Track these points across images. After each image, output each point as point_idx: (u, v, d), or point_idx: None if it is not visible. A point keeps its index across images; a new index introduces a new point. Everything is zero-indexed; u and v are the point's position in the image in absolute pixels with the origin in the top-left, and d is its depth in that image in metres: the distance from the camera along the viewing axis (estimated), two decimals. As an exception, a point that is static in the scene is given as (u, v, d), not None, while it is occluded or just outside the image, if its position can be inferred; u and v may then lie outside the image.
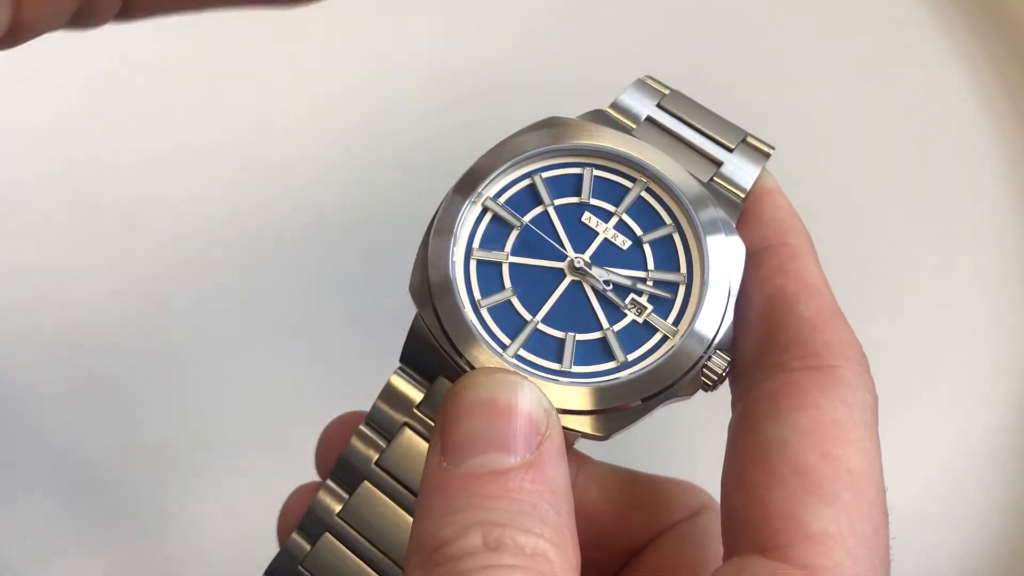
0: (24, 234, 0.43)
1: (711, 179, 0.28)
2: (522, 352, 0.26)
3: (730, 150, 0.29)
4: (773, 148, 0.29)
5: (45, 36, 0.23)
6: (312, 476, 0.33)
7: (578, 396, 0.25)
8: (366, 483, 0.27)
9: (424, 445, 0.27)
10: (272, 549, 0.30)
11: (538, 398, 0.24)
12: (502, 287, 0.27)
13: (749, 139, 0.29)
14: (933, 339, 0.44)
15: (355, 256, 0.44)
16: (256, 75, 0.46)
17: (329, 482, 0.28)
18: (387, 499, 0.27)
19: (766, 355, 0.25)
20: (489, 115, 0.42)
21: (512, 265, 0.27)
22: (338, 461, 0.27)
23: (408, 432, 0.27)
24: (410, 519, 0.27)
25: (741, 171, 0.28)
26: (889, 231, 0.46)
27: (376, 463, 0.27)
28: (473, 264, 0.27)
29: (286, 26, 0.39)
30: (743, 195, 0.28)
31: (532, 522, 0.22)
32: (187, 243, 0.43)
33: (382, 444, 0.27)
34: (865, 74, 0.47)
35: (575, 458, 0.30)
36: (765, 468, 0.24)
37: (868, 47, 0.48)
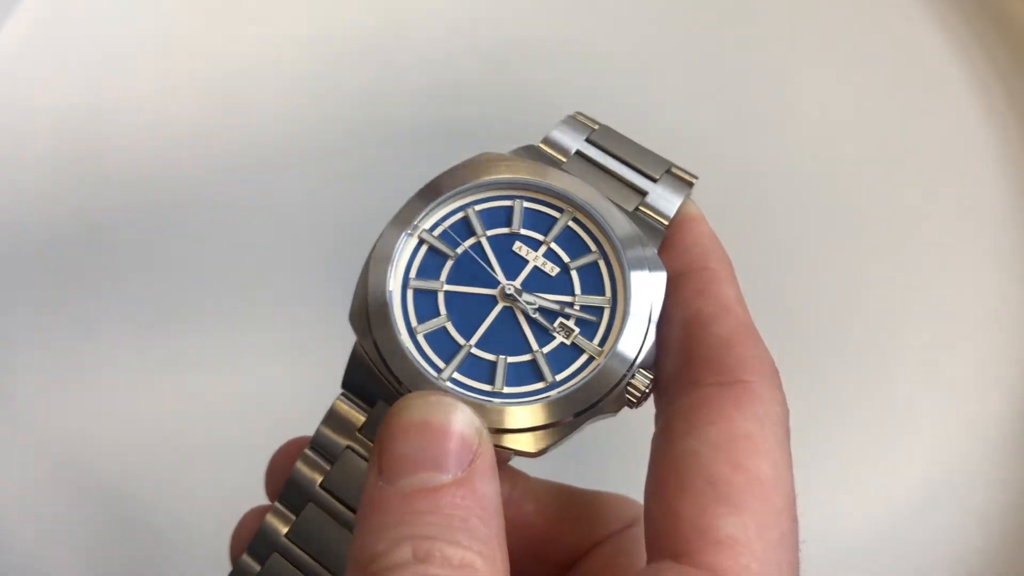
0: None
1: (636, 208, 0.30)
2: (456, 375, 0.28)
3: (654, 180, 0.30)
4: (696, 177, 0.31)
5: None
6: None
7: (510, 415, 0.27)
8: (311, 504, 0.28)
9: (366, 466, 0.28)
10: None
11: (470, 418, 0.25)
12: (437, 313, 0.28)
13: (673, 169, 0.31)
14: (933, 339, 0.44)
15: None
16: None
17: (277, 504, 0.29)
18: (331, 519, 0.28)
19: (684, 373, 0.27)
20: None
21: (447, 293, 0.29)
22: (285, 484, 0.29)
23: (350, 454, 0.28)
24: None
25: (664, 200, 0.30)
26: (888, 231, 0.46)
27: (320, 485, 0.28)
28: (410, 293, 0.29)
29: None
30: (666, 222, 0.30)
31: (461, 535, 0.23)
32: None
33: (326, 467, 0.29)
34: (864, 74, 0.48)
35: (510, 475, 0.32)
36: (679, 479, 0.25)
37: (868, 47, 0.48)
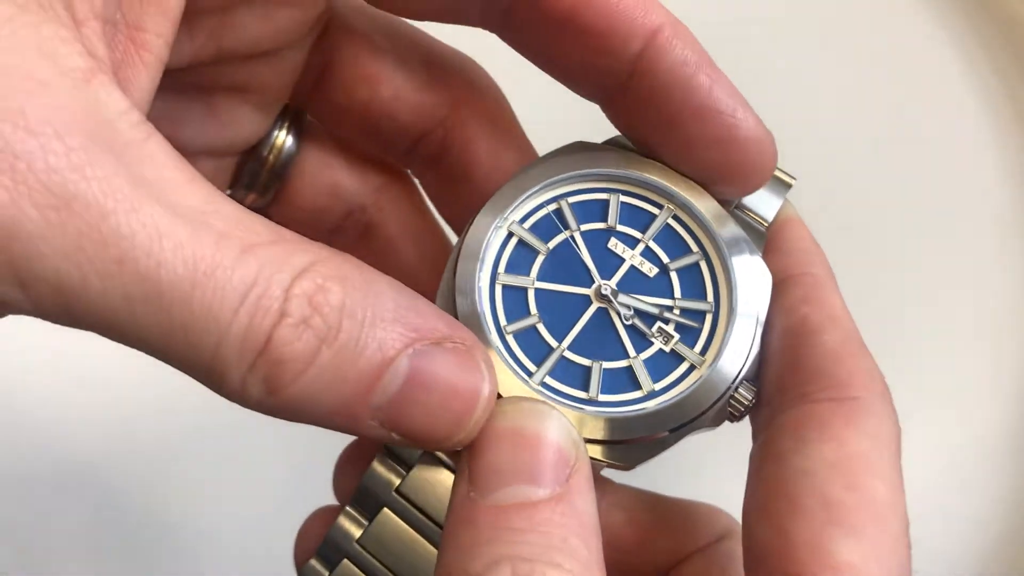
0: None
1: (735, 207, 0.28)
2: (548, 379, 0.26)
3: None
4: (795, 179, 0.29)
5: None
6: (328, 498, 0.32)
7: (605, 426, 0.25)
8: (386, 510, 0.27)
9: (444, 473, 0.27)
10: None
11: (567, 428, 0.24)
12: (528, 313, 0.27)
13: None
14: (932, 339, 0.44)
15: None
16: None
17: (349, 508, 0.27)
18: (407, 527, 0.27)
19: (789, 385, 0.25)
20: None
21: (538, 291, 0.27)
22: (358, 487, 0.27)
23: (429, 458, 0.27)
24: (430, 547, 0.27)
25: (763, 201, 0.28)
26: (888, 231, 0.45)
27: (397, 490, 0.27)
28: (499, 289, 0.27)
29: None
30: (766, 224, 0.28)
31: (561, 557, 0.22)
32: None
33: (403, 471, 0.27)
34: (864, 74, 0.47)
35: (599, 483, 0.30)
36: (790, 499, 0.24)
37: (867, 47, 0.48)
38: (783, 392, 0.25)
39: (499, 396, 0.25)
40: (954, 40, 0.48)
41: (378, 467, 0.27)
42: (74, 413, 0.42)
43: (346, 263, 0.23)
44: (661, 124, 0.26)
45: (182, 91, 0.28)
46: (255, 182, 0.31)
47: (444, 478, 0.27)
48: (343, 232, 0.31)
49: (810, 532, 0.23)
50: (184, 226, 0.21)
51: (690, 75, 0.25)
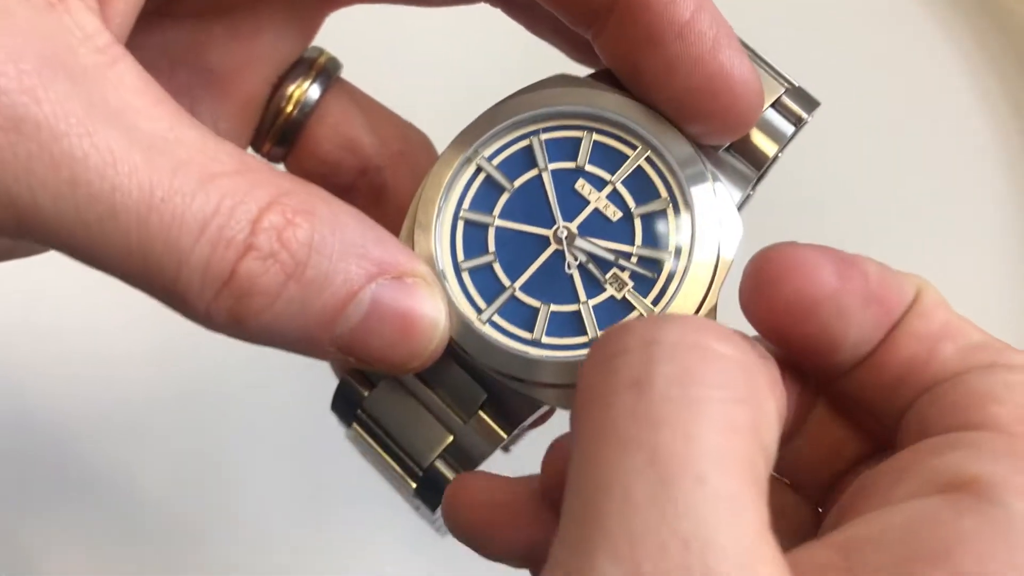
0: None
1: (726, 150, 0.26)
2: (496, 318, 0.26)
3: None
4: (803, 120, 0.27)
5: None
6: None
7: (544, 368, 0.25)
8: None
9: (402, 394, 0.28)
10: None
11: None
12: (486, 250, 0.27)
13: (784, 98, 0.27)
14: None
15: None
16: None
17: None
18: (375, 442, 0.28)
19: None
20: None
21: (499, 228, 0.27)
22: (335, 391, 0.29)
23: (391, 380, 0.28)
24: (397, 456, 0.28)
25: (757, 145, 0.27)
26: (888, 231, 0.44)
27: (362, 406, 0.28)
28: (460, 225, 0.27)
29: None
30: (757, 172, 0.26)
31: None
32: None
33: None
34: (864, 74, 0.46)
35: None
36: None
37: (867, 47, 0.47)
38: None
39: None
40: (954, 40, 0.47)
41: (351, 377, 0.28)
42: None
43: (313, 195, 0.24)
44: (644, 44, 0.25)
45: (202, 15, 0.29)
46: (273, 127, 0.31)
47: (404, 402, 0.28)
48: (356, 190, 0.32)
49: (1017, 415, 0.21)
50: (141, 151, 0.22)
51: None
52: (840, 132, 0.41)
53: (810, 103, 0.27)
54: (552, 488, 0.24)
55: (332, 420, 0.29)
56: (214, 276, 0.22)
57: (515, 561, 0.26)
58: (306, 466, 0.42)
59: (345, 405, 0.28)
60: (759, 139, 0.27)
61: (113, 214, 0.22)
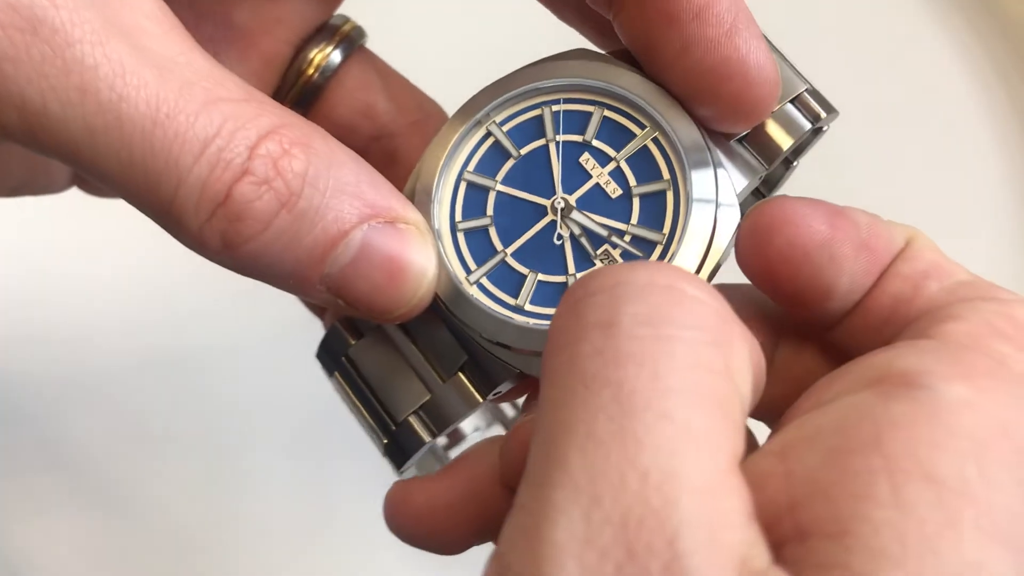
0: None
1: (739, 139, 0.26)
2: (484, 280, 0.26)
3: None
4: (826, 116, 0.26)
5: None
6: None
7: (520, 334, 0.25)
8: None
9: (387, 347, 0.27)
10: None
11: None
12: (483, 213, 0.27)
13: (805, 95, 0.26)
14: None
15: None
16: None
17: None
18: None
19: None
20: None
21: (499, 193, 0.27)
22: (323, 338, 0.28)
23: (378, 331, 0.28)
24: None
25: (771, 137, 0.26)
26: None
27: (347, 353, 0.28)
28: (463, 185, 0.27)
29: None
30: (767, 165, 0.26)
31: None
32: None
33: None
34: (864, 74, 0.46)
35: None
36: None
37: (867, 47, 0.47)
38: None
39: None
40: (954, 40, 0.47)
41: (339, 325, 0.28)
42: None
43: (311, 130, 0.24)
44: (661, 23, 0.25)
45: None
46: (293, 88, 0.31)
47: (388, 355, 0.28)
48: (368, 155, 0.32)
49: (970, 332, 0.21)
50: (151, 68, 0.22)
51: None
52: (840, 132, 0.41)
53: (829, 108, 0.27)
54: (511, 475, 0.24)
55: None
56: (209, 197, 0.23)
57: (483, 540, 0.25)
58: (307, 467, 0.42)
59: (330, 353, 0.28)
60: (775, 131, 0.26)
61: (119, 124, 0.22)
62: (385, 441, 0.27)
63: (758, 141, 0.26)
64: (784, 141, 0.26)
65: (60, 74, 0.22)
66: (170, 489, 0.42)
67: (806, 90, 0.26)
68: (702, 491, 0.17)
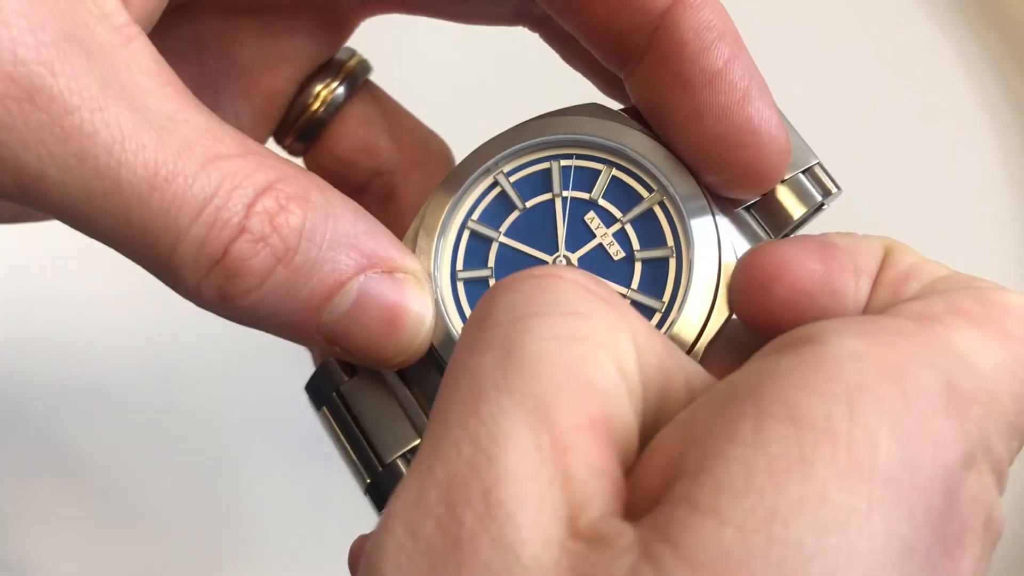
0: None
1: (747, 207, 0.26)
2: None
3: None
4: (833, 193, 0.27)
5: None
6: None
7: None
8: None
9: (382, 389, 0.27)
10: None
11: None
12: (484, 265, 0.27)
13: (816, 168, 0.27)
14: None
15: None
16: None
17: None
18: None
19: None
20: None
21: (502, 245, 0.27)
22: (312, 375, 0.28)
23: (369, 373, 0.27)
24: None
25: (780, 207, 0.26)
26: (886, 231, 0.43)
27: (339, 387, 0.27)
28: (466, 234, 0.27)
29: None
30: (773, 235, 0.26)
31: None
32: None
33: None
34: (863, 74, 0.46)
35: None
36: None
37: (866, 47, 0.47)
38: None
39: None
40: (954, 40, 0.47)
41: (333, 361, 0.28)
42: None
43: (309, 182, 0.24)
44: (674, 88, 0.25)
45: (237, 10, 0.30)
46: (297, 123, 0.31)
47: (382, 396, 0.27)
48: (368, 192, 0.32)
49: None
50: (149, 130, 0.22)
51: (712, 40, 0.25)
52: (838, 133, 0.41)
53: (835, 184, 0.27)
54: None
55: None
56: (207, 255, 0.23)
57: None
58: (311, 472, 0.41)
59: (321, 387, 0.28)
60: (787, 199, 0.26)
61: (117, 189, 0.22)
62: (368, 481, 0.27)
63: (768, 209, 0.26)
64: (796, 210, 0.26)
65: (58, 141, 0.22)
66: (172, 493, 0.42)
67: (817, 164, 0.27)
68: (531, 449, 0.17)
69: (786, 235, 0.27)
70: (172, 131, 0.22)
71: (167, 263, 0.23)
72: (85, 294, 0.43)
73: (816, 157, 0.27)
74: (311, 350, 0.32)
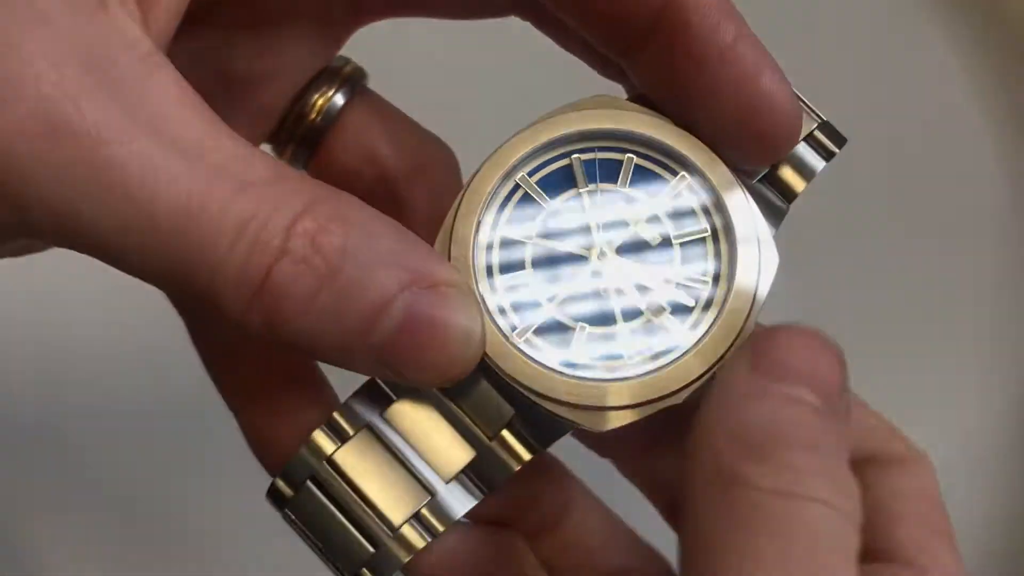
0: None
1: (760, 180, 0.27)
2: (530, 336, 0.26)
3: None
4: (837, 150, 0.27)
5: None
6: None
7: (576, 390, 0.25)
8: (365, 431, 0.27)
9: (428, 409, 0.27)
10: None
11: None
12: (522, 267, 0.27)
13: (816, 132, 0.27)
14: (930, 340, 0.44)
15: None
16: None
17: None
18: (385, 449, 0.27)
19: None
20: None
21: (536, 246, 0.27)
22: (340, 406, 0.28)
23: (413, 394, 0.27)
24: (405, 471, 0.27)
25: (790, 177, 0.27)
26: (887, 232, 0.45)
27: (381, 414, 0.27)
28: (497, 240, 0.27)
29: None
30: (788, 202, 0.27)
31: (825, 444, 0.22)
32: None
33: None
34: (863, 74, 0.47)
35: None
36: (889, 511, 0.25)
37: (866, 47, 0.47)
38: None
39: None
40: (954, 40, 0.48)
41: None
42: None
43: (346, 203, 0.24)
44: (685, 68, 0.25)
45: (232, 24, 0.29)
46: (295, 132, 0.31)
47: (427, 414, 0.27)
48: (374, 199, 0.31)
49: (917, 534, 0.24)
50: (180, 160, 0.22)
51: (718, 19, 0.25)
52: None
53: (839, 139, 0.27)
54: None
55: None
56: (248, 282, 0.22)
57: None
58: None
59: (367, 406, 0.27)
60: (788, 174, 0.27)
61: (152, 221, 0.22)
62: (429, 498, 0.27)
63: (774, 182, 0.27)
64: (799, 183, 0.27)
65: (88, 177, 0.21)
66: (176, 490, 0.42)
67: (818, 126, 0.27)
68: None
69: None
70: (203, 159, 0.22)
71: (208, 292, 0.23)
72: (88, 286, 0.41)
73: (815, 118, 0.27)
74: None
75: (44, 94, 0.21)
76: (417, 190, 0.31)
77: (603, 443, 0.31)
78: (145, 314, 0.37)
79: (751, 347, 0.23)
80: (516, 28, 0.29)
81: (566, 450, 0.30)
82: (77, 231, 0.22)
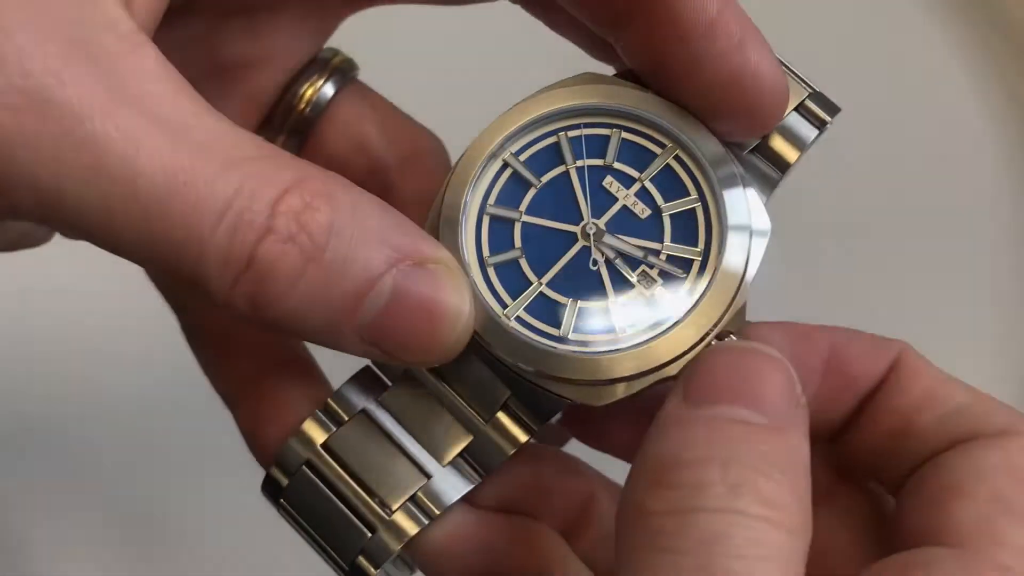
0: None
1: (751, 151, 0.27)
2: (522, 314, 0.26)
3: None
4: (829, 120, 0.27)
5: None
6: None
7: (570, 364, 0.25)
8: (361, 415, 0.27)
9: (422, 391, 0.27)
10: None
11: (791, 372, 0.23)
12: (512, 246, 0.26)
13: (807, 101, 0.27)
14: (930, 341, 0.43)
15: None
16: None
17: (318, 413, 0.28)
18: (379, 433, 0.27)
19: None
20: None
21: (525, 224, 0.26)
22: (335, 393, 0.27)
23: (408, 377, 0.27)
24: (401, 456, 0.27)
25: (781, 147, 0.27)
26: (887, 232, 0.45)
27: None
28: (486, 220, 0.27)
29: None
30: (781, 173, 0.27)
31: (775, 471, 0.21)
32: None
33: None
34: (863, 74, 0.47)
35: None
36: (955, 487, 0.23)
37: (866, 47, 0.47)
38: None
39: None
40: (954, 40, 0.48)
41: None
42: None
43: (333, 180, 0.24)
44: (670, 43, 0.25)
45: (221, 11, 0.29)
46: (285, 123, 0.31)
47: (422, 399, 0.27)
48: (364, 188, 0.32)
49: (983, 512, 0.22)
50: (163, 136, 0.22)
51: None
52: (839, 133, 0.43)
53: (831, 108, 0.27)
54: None
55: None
56: (234, 261, 0.22)
57: None
58: None
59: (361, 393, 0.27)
60: (780, 145, 0.27)
61: (135, 198, 0.21)
62: (425, 481, 0.27)
63: (766, 153, 0.27)
64: (792, 153, 0.27)
65: (72, 153, 0.21)
66: (182, 494, 0.41)
67: (809, 95, 0.27)
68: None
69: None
70: (187, 136, 0.22)
71: (193, 274, 0.22)
72: (91, 287, 0.42)
73: (805, 88, 0.27)
74: None
75: (26, 69, 0.21)
76: (407, 179, 0.31)
77: (600, 437, 0.31)
78: (145, 314, 0.37)
79: (683, 377, 0.23)
80: (505, 15, 0.30)
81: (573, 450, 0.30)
82: (61, 209, 0.21)
